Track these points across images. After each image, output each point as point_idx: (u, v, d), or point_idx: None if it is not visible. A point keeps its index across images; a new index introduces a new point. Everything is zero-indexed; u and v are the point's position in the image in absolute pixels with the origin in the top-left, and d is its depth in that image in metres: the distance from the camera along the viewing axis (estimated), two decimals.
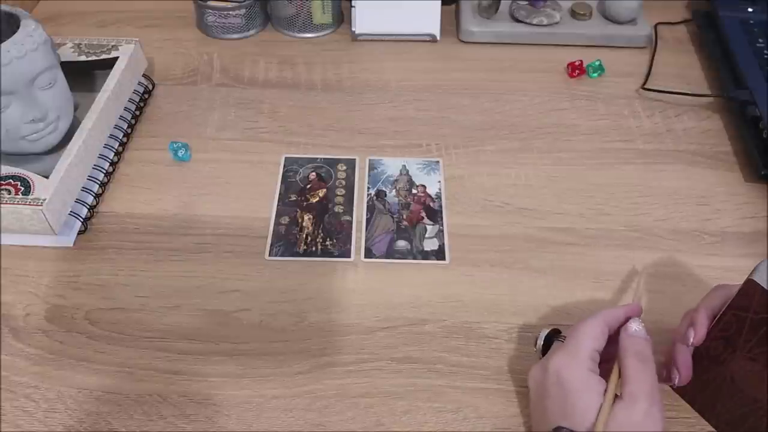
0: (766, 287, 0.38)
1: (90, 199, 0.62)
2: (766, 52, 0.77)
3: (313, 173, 0.66)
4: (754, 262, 0.40)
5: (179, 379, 0.51)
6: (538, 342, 0.49)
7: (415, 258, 0.59)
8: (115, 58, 0.70)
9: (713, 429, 0.45)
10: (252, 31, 0.84)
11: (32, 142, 0.61)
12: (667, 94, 0.75)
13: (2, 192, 0.56)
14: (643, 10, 0.82)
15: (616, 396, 0.41)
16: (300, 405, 0.49)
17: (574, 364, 0.42)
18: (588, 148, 0.69)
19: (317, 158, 0.68)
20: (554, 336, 0.48)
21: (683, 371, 0.44)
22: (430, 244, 0.60)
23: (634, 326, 0.43)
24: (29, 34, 0.57)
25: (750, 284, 0.39)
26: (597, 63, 0.78)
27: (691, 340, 0.43)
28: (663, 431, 0.40)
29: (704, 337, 0.43)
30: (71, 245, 0.59)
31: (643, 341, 0.43)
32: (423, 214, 0.63)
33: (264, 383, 0.50)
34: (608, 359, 0.44)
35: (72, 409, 0.49)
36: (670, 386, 0.46)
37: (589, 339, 0.43)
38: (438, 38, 0.83)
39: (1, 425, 0.48)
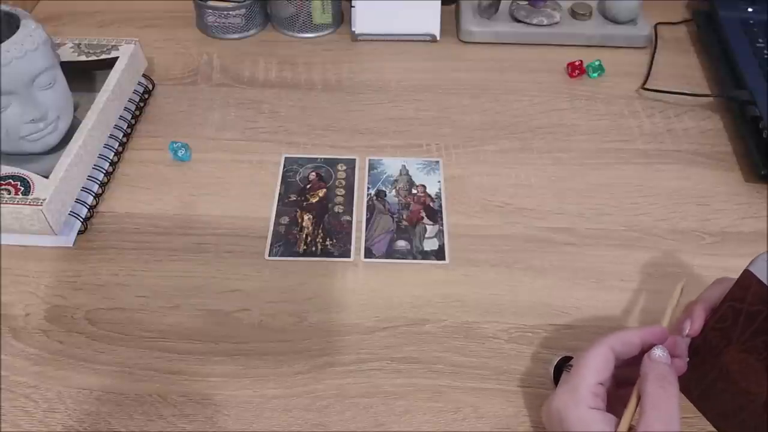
0: (762, 278, 0.38)
1: (90, 199, 0.62)
2: (766, 52, 0.77)
3: (313, 173, 0.66)
4: None
5: (179, 379, 0.51)
6: (550, 373, 0.48)
7: (415, 258, 0.59)
8: (115, 58, 0.70)
9: (711, 425, 0.45)
10: (252, 31, 0.84)
11: (32, 142, 0.61)
12: (667, 94, 0.75)
13: (2, 192, 0.56)
14: (643, 10, 0.82)
15: (632, 427, 0.40)
16: (300, 405, 0.49)
17: (574, 403, 0.41)
18: (588, 148, 0.69)
19: (317, 158, 0.68)
20: (564, 364, 0.47)
21: (679, 362, 0.44)
22: (430, 244, 0.60)
23: (658, 352, 0.42)
24: (29, 34, 0.57)
25: (746, 275, 0.39)
26: (597, 63, 0.78)
27: (687, 331, 0.43)
28: None
29: (700, 329, 0.42)
30: (71, 245, 0.59)
31: (666, 367, 0.41)
32: (423, 214, 0.62)
33: (264, 383, 0.50)
34: (632, 382, 0.42)
35: (72, 409, 0.49)
36: None
37: (590, 372, 0.42)
38: (438, 38, 0.83)
39: (1, 425, 0.48)
